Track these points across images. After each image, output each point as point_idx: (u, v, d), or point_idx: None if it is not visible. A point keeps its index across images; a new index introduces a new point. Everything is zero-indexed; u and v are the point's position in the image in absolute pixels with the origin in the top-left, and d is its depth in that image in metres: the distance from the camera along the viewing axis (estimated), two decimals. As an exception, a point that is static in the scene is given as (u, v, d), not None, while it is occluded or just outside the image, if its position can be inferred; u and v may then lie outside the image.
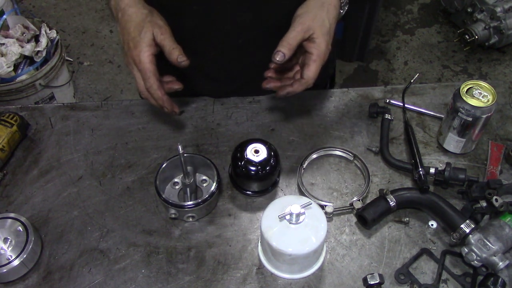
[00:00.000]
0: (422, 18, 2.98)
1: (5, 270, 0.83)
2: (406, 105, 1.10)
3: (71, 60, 2.69)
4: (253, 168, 0.90)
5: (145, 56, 0.87)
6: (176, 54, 0.88)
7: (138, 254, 0.89)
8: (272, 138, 1.05)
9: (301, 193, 0.96)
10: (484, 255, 0.83)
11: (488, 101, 0.93)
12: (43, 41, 2.12)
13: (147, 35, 0.87)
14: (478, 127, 0.96)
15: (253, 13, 0.96)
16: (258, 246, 0.90)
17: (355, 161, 1.02)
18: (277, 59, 0.85)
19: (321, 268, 0.87)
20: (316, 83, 0.90)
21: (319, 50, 0.86)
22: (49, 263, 0.88)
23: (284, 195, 0.97)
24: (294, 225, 0.80)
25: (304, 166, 1.00)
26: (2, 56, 2.07)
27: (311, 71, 0.87)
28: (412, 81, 1.15)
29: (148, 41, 0.87)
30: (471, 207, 0.90)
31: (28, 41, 2.15)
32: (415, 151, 0.99)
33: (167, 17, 0.91)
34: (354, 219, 0.93)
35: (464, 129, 0.97)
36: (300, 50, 0.90)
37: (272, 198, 0.95)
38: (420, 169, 0.94)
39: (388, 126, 1.06)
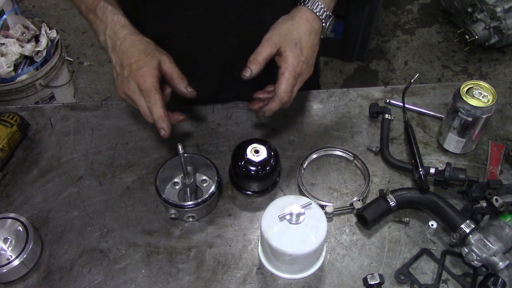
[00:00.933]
0: (422, 18, 2.98)
1: (5, 270, 0.83)
2: (406, 105, 1.10)
3: (71, 60, 2.69)
4: (253, 168, 0.90)
5: (151, 75, 0.85)
6: (185, 84, 0.89)
7: (138, 254, 0.89)
8: (272, 138, 1.05)
9: (301, 193, 0.96)
10: (484, 255, 0.83)
11: (488, 101, 0.93)
12: (43, 41, 2.12)
13: (153, 59, 0.86)
14: (478, 127, 0.96)
15: (239, 37, 0.97)
16: (258, 246, 0.90)
17: (355, 161, 1.02)
18: (245, 74, 0.88)
19: (321, 268, 0.87)
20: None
21: (286, 63, 0.88)
22: (49, 263, 0.88)
23: (284, 195, 0.97)
24: (294, 225, 0.80)
25: (304, 166, 1.00)
26: (2, 56, 2.07)
27: (280, 84, 0.88)
28: (412, 81, 1.15)
29: (155, 65, 0.86)
30: (471, 207, 0.90)
31: (28, 41, 2.14)
32: (415, 151, 0.99)
33: (157, 44, 0.91)
34: (354, 219, 0.93)
35: (464, 129, 0.97)
36: None
37: (272, 198, 0.95)
38: (420, 169, 0.94)
39: (388, 126, 1.06)
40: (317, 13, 0.91)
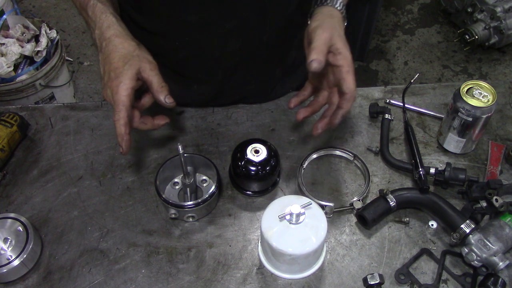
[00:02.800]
0: (422, 18, 2.98)
1: (5, 270, 0.83)
2: (406, 105, 1.10)
3: (71, 60, 2.69)
4: (253, 168, 0.90)
5: (124, 88, 0.83)
6: (164, 94, 0.87)
7: (138, 254, 0.89)
8: (272, 138, 1.05)
9: (301, 193, 0.96)
10: (484, 255, 0.83)
11: (488, 101, 0.93)
12: (43, 41, 2.12)
13: (131, 68, 0.84)
14: (478, 127, 0.96)
15: (242, 40, 0.97)
16: (258, 246, 0.90)
17: (355, 161, 1.02)
18: (315, 66, 0.80)
19: (321, 268, 0.87)
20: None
21: (348, 60, 0.84)
22: (49, 263, 0.88)
23: (284, 195, 0.97)
24: (294, 225, 0.80)
25: (304, 166, 1.00)
26: (2, 56, 2.07)
27: (349, 82, 0.83)
28: (412, 81, 1.15)
29: (131, 75, 0.84)
30: (471, 207, 0.90)
31: (28, 41, 2.14)
32: (415, 151, 0.99)
33: (160, 48, 0.90)
34: (354, 219, 0.93)
35: (464, 129, 0.97)
36: (314, 77, 0.90)
37: (272, 198, 0.95)
38: (420, 169, 0.94)
39: (388, 126, 1.06)
40: (340, 10, 0.88)
